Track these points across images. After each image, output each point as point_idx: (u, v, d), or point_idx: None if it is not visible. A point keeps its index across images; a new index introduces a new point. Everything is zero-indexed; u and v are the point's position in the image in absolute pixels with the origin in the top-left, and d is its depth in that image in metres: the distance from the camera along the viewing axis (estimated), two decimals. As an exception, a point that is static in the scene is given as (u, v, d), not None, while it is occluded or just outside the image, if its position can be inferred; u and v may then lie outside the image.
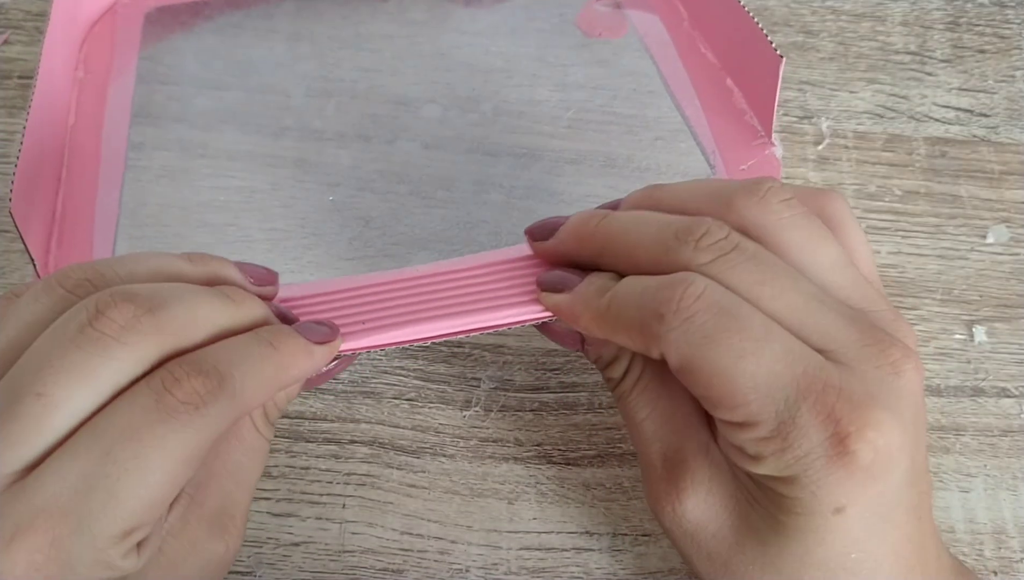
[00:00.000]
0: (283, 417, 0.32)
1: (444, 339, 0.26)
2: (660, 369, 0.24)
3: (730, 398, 0.20)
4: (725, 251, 0.22)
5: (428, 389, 0.33)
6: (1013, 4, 0.40)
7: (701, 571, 0.24)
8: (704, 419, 0.23)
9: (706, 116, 0.33)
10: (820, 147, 0.37)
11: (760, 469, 0.21)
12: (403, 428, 0.32)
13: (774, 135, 0.32)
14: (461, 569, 0.30)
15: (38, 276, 0.28)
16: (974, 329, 0.34)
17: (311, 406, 0.32)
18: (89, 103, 0.35)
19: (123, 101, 0.36)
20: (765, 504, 0.22)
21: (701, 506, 0.23)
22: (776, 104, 0.31)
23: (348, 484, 0.31)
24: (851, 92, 0.38)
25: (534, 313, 0.26)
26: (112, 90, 0.36)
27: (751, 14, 0.31)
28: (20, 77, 0.37)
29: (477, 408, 0.32)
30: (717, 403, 0.21)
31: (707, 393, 0.21)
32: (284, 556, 0.30)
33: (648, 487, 0.24)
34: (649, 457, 0.24)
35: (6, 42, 0.38)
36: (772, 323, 0.21)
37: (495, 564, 0.30)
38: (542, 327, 0.28)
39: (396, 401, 0.32)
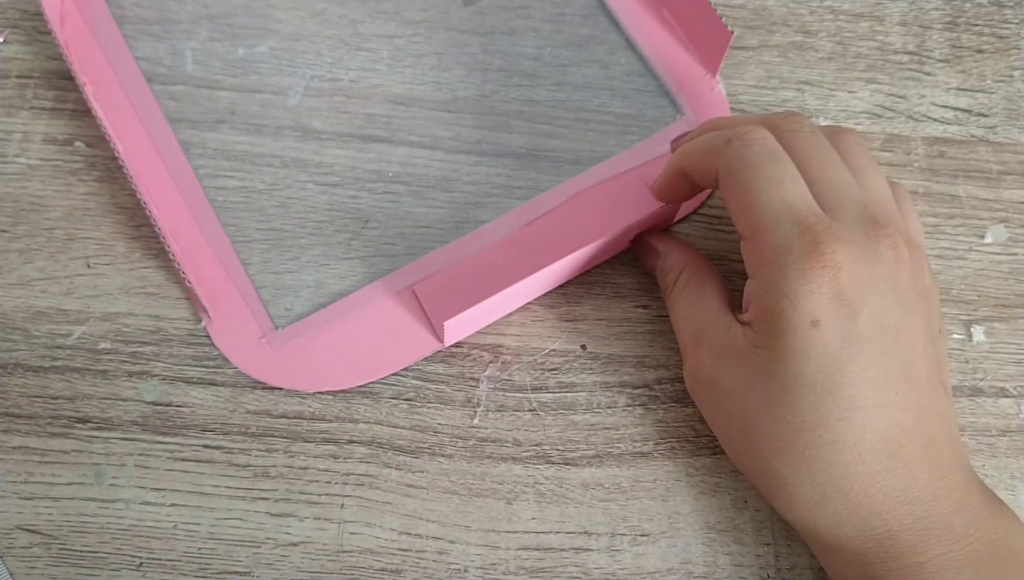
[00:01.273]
0: (281, 417, 0.32)
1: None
2: (700, 279, 0.31)
3: (750, 211, 0.27)
4: (791, 128, 0.28)
5: (427, 389, 0.32)
6: (1011, 4, 0.40)
7: (720, 422, 0.29)
8: (728, 312, 0.29)
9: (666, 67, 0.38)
10: (818, 147, 0.37)
11: (756, 285, 0.27)
12: (401, 428, 0.32)
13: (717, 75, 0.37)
14: (459, 569, 0.30)
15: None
16: (972, 329, 0.34)
17: (309, 406, 0.32)
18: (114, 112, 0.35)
19: (149, 103, 0.36)
20: (764, 344, 0.26)
21: (714, 360, 0.28)
22: (727, 43, 0.35)
23: (346, 484, 0.31)
24: (849, 92, 0.38)
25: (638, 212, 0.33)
26: (132, 94, 0.36)
27: None
28: (18, 76, 0.37)
29: (476, 408, 0.32)
30: (740, 213, 0.27)
31: (737, 205, 0.27)
32: (282, 556, 0.30)
33: (684, 363, 0.30)
34: (684, 339, 0.30)
35: (4, 41, 0.38)
36: (801, 177, 0.27)
37: (493, 564, 0.30)
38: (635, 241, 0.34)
39: (395, 401, 0.32)
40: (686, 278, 0.31)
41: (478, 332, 0.33)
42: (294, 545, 0.30)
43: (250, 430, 0.32)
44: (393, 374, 0.33)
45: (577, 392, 0.33)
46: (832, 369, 0.25)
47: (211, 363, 0.33)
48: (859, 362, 0.25)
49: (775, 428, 0.26)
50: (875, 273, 0.25)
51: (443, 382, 0.33)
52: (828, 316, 0.25)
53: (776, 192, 0.26)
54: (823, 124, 0.37)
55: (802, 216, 0.26)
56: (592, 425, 0.32)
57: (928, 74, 0.38)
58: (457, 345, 0.33)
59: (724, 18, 0.34)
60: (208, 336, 0.33)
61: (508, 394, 0.33)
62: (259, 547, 0.30)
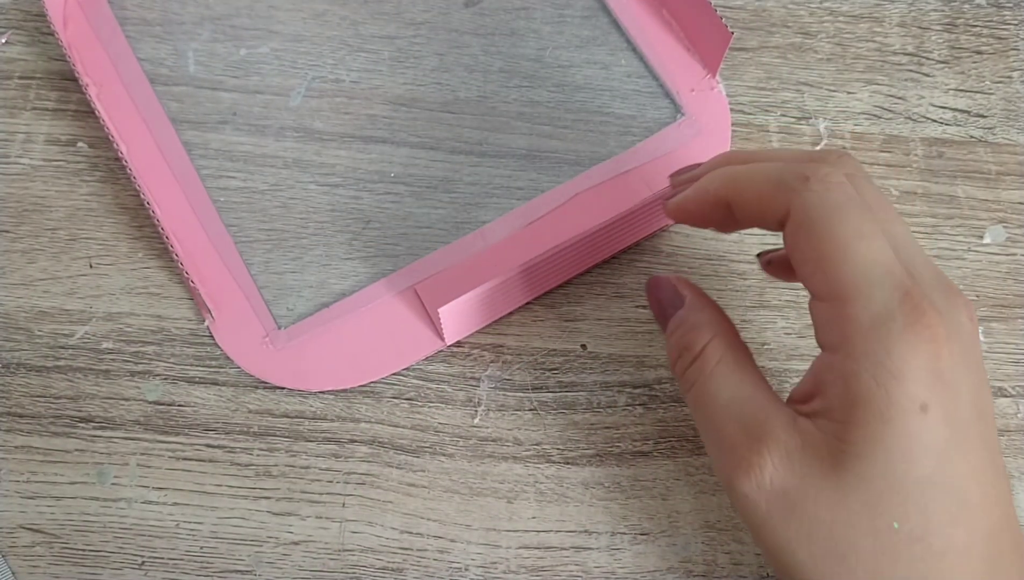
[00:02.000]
0: (283, 416, 0.32)
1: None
2: (739, 351, 0.25)
3: (839, 269, 0.22)
4: (855, 175, 0.24)
5: (427, 388, 0.33)
6: (1010, 5, 0.40)
7: (800, 545, 0.22)
8: (783, 402, 0.24)
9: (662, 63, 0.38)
10: (818, 148, 0.37)
11: (847, 361, 0.22)
12: (403, 427, 0.32)
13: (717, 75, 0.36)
14: (460, 568, 0.30)
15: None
16: (971, 329, 0.34)
17: (311, 405, 0.32)
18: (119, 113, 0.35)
19: (152, 104, 0.36)
20: (856, 437, 0.21)
21: (787, 466, 0.22)
22: (727, 44, 0.35)
23: (348, 483, 0.31)
24: (849, 93, 0.38)
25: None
26: (135, 95, 0.36)
27: None
28: (21, 77, 0.37)
29: (476, 407, 0.32)
30: (821, 269, 0.22)
31: (818, 258, 0.23)
32: (284, 555, 0.30)
33: (725, 461, 0.24)
34: (729, 436, 0.24)
35: (7, 42, 0.38)
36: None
37: (494, 563, 0.30)
38: (651, 286, 0.29)
39: (396, 400, 0.32)
40: (722, 348, 0.25)
41: (479, 332, 0.33)
42: (296, 544, 0.30)
43: (252, 429, 0.32)
44: (394, 374, 0.33)
45: (577, 391, 0.33)
46: (941, 462, 0.21)
47: (213, 363, 0.33)
48: (964, 452, 0.22)
49: (877, 543, 0.22)
50: (965, 347, 0.22)
51: (444, 381, 0.33)
52: (935, 399, 0.21)
53: (868, 248, 0.22)
54: (822, 125, 0.37)
55: (899, 279, 0.22)
56: (592, 424, 0.32)
57: (927, 75, 0.39)
58: (458, 345, 0.33)
59: (724, 19, 0.35)
60: (210, 336, 0.33)
61: (509, 393, 0.33)
62: (261, 546, 0.30)
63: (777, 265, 0.29)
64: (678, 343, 0.26)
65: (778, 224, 0.24)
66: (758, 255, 0.31)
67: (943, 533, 0.21)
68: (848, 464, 0.22)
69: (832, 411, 0.22)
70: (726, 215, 0.26)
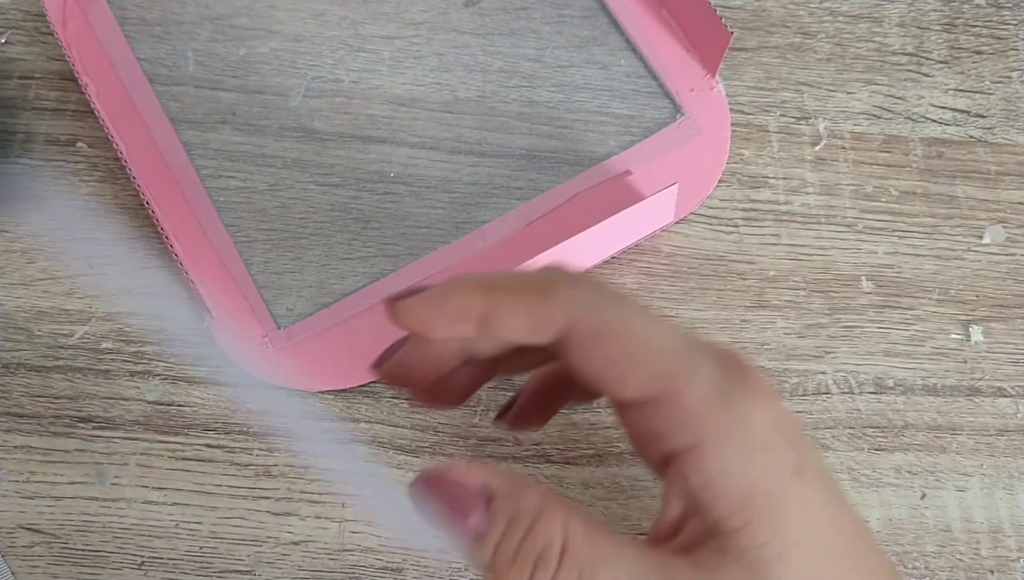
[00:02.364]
0: (283, 416, 0.32)
1: None
2: (599, 525, 0.20)
3: (649, 360, 0.19)
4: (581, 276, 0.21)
5: (427, 388, 0.33)
6: (1010, 5, 0.40)
7: None
8: (639, 543, 0.20)
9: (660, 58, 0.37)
10: (817, 148, 0.37)
11: (705, 455, 0.19)
12: (402, 427, 0.32)
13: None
14: (460, 568, 0.30)
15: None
16: (971, 329, 0.34)
17: (311, 406, 0.32)
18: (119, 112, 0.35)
19: (152, 104, 0.36)
20: (754, 540, 0.19)
21: None
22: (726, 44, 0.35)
23: (348, 483, 0.31)
24: (848, 93, 0.38)
25: None
26: (135, 95, 0.36)
27: None
28: (20, 77, 0.37)
29: (476, 407, 0.32)
30: (627, 369, 0.19)
31: (622, 354, 0.19)
32: (284, 555, 0.30)
33: None
34: None
35: (7, 42, 0.38)
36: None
37: (494, 563, 0.30)
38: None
39: (395, 400, 0.32)
40: (583, 527, 0.19)
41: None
42: (296, 544, 0.30)
43: (252, 429, 0.32)
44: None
45: (577, 392, 0.33)
46: (835, 518, 0.19)
47: (213, 363, 0.33)
48: (842, 502, 0.20)
49: None
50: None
51: (444, 382, 0.33)
52: (802, 457, 0.19)
53: (669, 331, 0.19)
54: (822, 125, 0.37)
55: (708, 350, 0.19)
56: (592, 424, 0.32)
57: (926, 75, 0.39)
58: (458, 345, 0.33)
59: (723, 19, 0.35)
60: (210, 336, 0.33)
61: (509, 393, 0.33)
62: (261, 546, 0.30)
63: (534, 406, 0.25)
64: (522, 551, 0.18)
65: (551, 334, 0.20)
66: (497, 418, 0.25)
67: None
68: (773, 570, 0.18)
69: (722, 522, 0.19)
70: (471, 330, 0.20)
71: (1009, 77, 0.39)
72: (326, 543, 0.30)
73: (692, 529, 0.19)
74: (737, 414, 0.19)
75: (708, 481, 0.19)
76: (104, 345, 0.33)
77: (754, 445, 0.19)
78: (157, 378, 0.32)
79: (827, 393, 0.33)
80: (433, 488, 0.19)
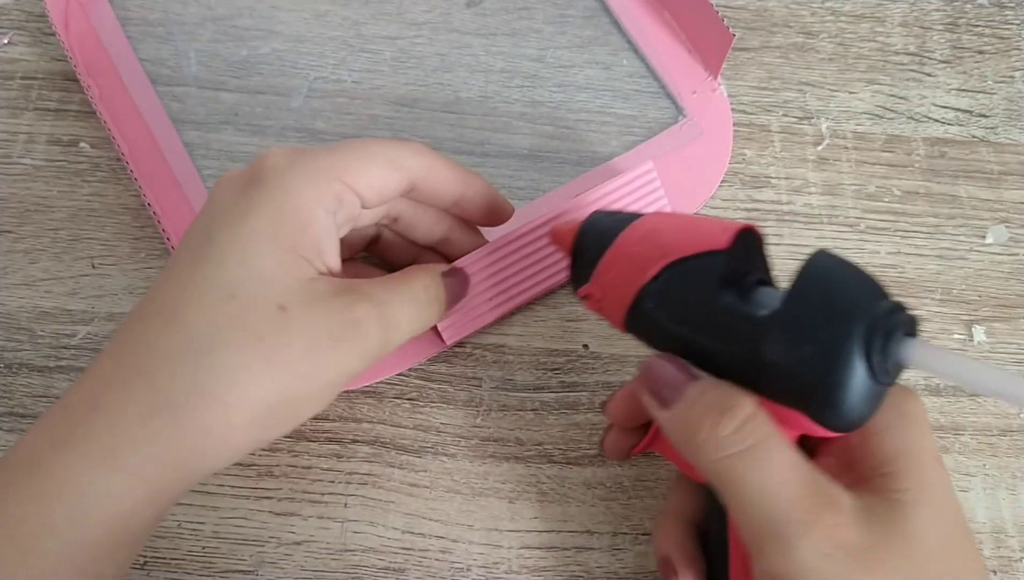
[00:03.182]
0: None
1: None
2: (766, 423, 0.23)
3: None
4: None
5: (429, 388, 0.33)
6: (1012, 5, 0.40)
7: None
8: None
9: (661, 58, 0.38)
10: (820, 148, 0.37)
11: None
12: (405, 427, 0.32)
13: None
14: (462, 568, 0.30)
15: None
16: (973, 329, 0.34)
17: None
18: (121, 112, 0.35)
19: (154, 105, 0.36)
20: (897, 486, 0.23)
21: (858, 524, 0.22)
22: (728, 46, 0.35)
23: (350, 483, 0.31)
24: (851, 93, 0.38)
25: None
26: (137, 95, 0.36)
27: None
28: (23, 77, 0.37)
29: (478, 407, 0.32)
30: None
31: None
32: (286, 555, 0.30)
33: (783, 527, 0.22)
34: (791, 498, 0.22)
35: (9, 42, 0.38)
36: None
37: (496, 563, 0.30)
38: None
39: (397, 400, 0.32)
40: (769, 417, 0.23)
41: (480, 332, 0.33)
42: (298, 544, 0.30)
43: (254, 429, 0.32)
44: (396, 373, 0.33)
45: (579, 391, 0.33)
46: (958, 508, 0.24)
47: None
48: (957, 502, 0.24)
49: None
50: None
51: (446, 382, 0.33)
52: (939, 453, 0.24)
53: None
54: (824, 125, 0.37)
55: None
56: (594, 424, 0.32)
57: (929, 75, 0.39)
58: (460, 345, 0.33)
59: (725, 19, 0.35)
60: (212, 336, 0.33)
61: (510, 393, 0.33)
62: (263, 546, 0.30)
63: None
64: (710, 404, 0.23)
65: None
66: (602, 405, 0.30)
67: (980, 570, 0.23)
68: (910, 515, 0.22)
69: (868, 469, 0.23)
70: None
71: (1012, 77, 0.39)
72: (328, 543, 0.30)
73: (843, 480, 0.23)
74: (897, 391, 0.23)
75: (866, 439, 0.23)
76: (107, 345, 0.33)
77: (910, 419, 0.23)
78: (159, 378, 0.32)
79: (829, 393, 0.33)
80: (654, 368, 0.25)
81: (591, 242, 0.27)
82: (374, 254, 0.32)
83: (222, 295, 0.23)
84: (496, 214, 0.30)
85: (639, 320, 0.25)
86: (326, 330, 0.24)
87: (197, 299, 0.24)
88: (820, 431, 0.22)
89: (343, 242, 0.30)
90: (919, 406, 0.24)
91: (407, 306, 0.26)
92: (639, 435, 0.28)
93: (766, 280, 0.25)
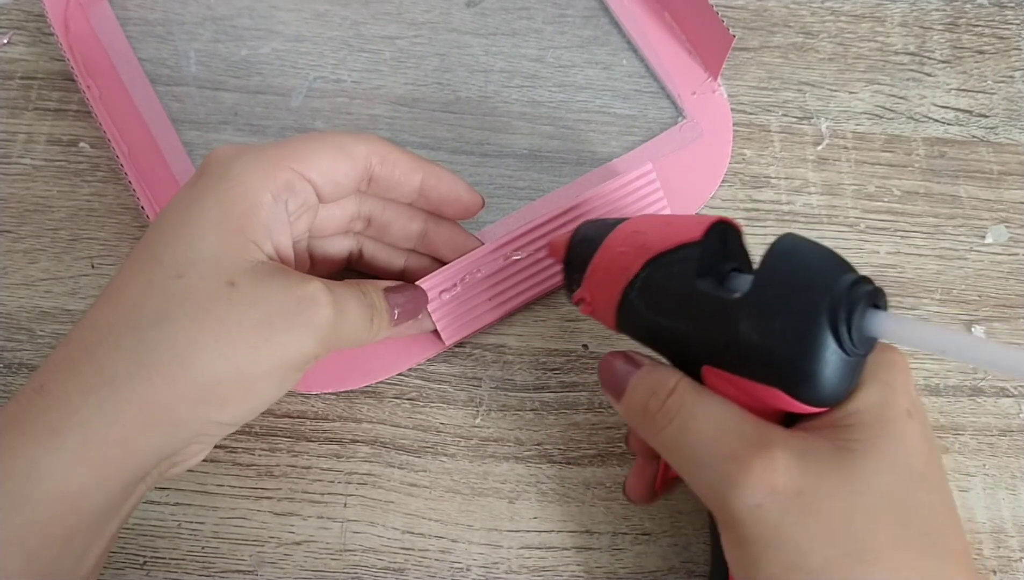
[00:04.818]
0: (285, 416, 0.32)
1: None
2: (712, 393, 0.24)
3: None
4: None
5: (429, 389, 0.33)
6: (1012, 5, 0.40)
7: (794, 546, 0.21)
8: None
9: (661, 59, 0.38)
10: (819, 148, 0.37)
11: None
12: (404, 427, 0.32)
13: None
14: (462, 568, 0.30)
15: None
16: (973, 329, 0.34)
17: (312, 406, 0.32)
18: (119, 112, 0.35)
19: (153, 104, 0.36)
20: (850, 437, 0.22)
21: (800, 464, 0.22)
22: (728, 48, 0.35)
23: (349, 483, 0.31)
24: (850, 93, 0.38)
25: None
26: (137, 95, 0.36)
27: None
28: (23, 77, 0.37)
29: (478, 407, 0.32)
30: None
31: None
32: (286, 555, 0.30)
33: (725, 476, 0.22)
34: (726, 448, 0.23)
35: (9, 42, 0.38)
36: None
37: (496, 563, 0.30)
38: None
39: (397, 400, 0.32)
40: (694, 385, 0.24)
41: (480, 332, 0.33)
42: (297, 544, 0.30)
43: (254, 430, 0.32)
44: (396, 373, 0.33)
45: (579, 391, 0.33)
46: (928, 463, 0.23)
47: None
48: (938, 459, 0.24)
49: (895, 536, 0.22)
50: None
51: (446, 382, 0.33)
52: (915, 410, 0.23)
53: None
54: (824, 125, 0.37)
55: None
56: (594, 424, 0.32)
57: (929, 75, 0.39)
58: (459, 345, 0.33)
59: (725, 19, 0.35)
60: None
61: (510, 393, 0.33)
62: (263, 546, 0.30)
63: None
64: (645, 388, 0.25)
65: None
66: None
67: (946, 530, 0.22)
68: (857, 461, 0.22)
69: (828, 422, 0.23)
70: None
71: (1012, 77, 0.39)
72: (328, 543, 0.30)
73: (805, 423, 0.23)
74: (878, 350, 0.23)
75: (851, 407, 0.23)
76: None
77: (882, 376, 0.23)
78: (159, 378, 0.32)
79: (829, 393, 0.33)
80: (607, 363, 0.27)
81: (580, 250, 0.28)
82: (361, 269, 0.32)
83: (169, 273, 0.23)
84: (464, 203, 0.30)
85: (627, 317, 0.26)
86: (279, 304, 0.24)
87: (144, 279, 0.24)
88: (800, 407, 0.23)
89: (321, 259, 0.30)
90: (898, 362, 0.24)
91: (353, 301, 0.26)
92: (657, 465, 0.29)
93: (744, 270, 0.26)
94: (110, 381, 0.22)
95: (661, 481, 0.28)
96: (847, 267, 0.22)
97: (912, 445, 0.23)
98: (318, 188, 0.27)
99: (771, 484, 0.22)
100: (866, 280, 0.22)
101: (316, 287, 0.25)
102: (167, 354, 0.23)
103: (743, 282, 0.24)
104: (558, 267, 0.33)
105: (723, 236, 0.25)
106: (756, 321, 0.22)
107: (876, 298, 0.22)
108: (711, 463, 0.23)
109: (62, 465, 0.22)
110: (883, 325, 0.22)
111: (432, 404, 0.32)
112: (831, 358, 0.21)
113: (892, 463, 0.22)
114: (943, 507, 0.23)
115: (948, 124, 0.38)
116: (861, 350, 0.22)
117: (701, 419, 0.23)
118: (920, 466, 0.23)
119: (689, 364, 0.25)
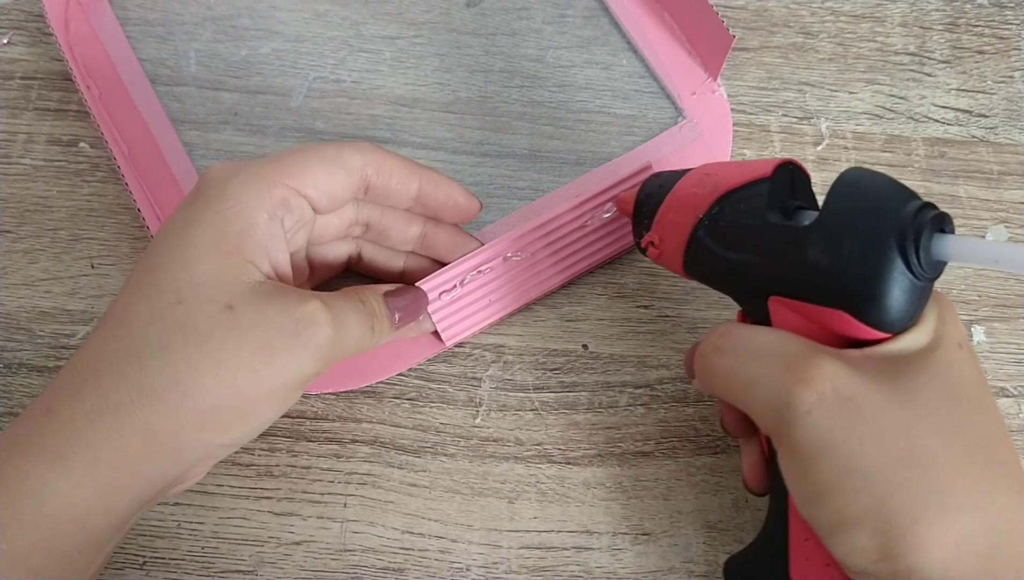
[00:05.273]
0: (284, 416, 0.32)
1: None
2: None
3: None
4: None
5: (429, 389, 0.33)
6: (1012, 5, 0.40)
7: (845, 450, 0.22)
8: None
9: (661, 60, 0.38)
10: (819, 148, 0.37)
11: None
12: (404, 427, 0.32)
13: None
14: (462, 568, 0.30)
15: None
16: (973, 329, 0.34)
17: (312, 406, 0.32)
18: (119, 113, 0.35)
19: (153, 105, 0.36)
20: (901, 354, 0.23)
21: (850, 373, 0.22)
22: (728, 47, 0.35)
23: (349, 483, 0.31)
24: (850, 93, 0.38)
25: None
26: (137, 95, 0.36)
27: None
28: (22, 78, 0.37)
29: (478, 407, 0.32)
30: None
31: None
32: (286, 555, 0.30)
33: (779, 384, 0.23)
34: (781, 358, 0.23)
35: (9, 43, 0.38)
36: None
37: (495, 563, 0.30)
38: None
39: (397, 400, 0.32)
40: (745, 325, 0.25)
41: (480, 332, 0.33)
42: (297, 544, 0.30)
43: (253, 429, 0.32)
44: (396, 373, 0.33)
45: (579, 391, 0.33)
46: (979, 392, 0.23)
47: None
48: (987, 392, 0.24)
49: (946, 442, 0.22)
50: None
51: (445, 382, 0.33)
52: (966, 344, 0.24)
53: None
54: (824, 125, 0.37)
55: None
56: (594, 424, 0.32)
57: (929, 75, 0.39)
58: (459, 345, 0.33)
59: (725, 19, 0.35)
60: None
61: (510, 394, 0.33)
62: (262, 546, 0.30)
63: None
64: (706, 342, 0.26)
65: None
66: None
67: (999, 448, 0.22)
68: (908, 376, 0.22)
69: (882, 351, 0.23)
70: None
71: (1011, 77, 0.39)
72: (328, 543, 0.30)
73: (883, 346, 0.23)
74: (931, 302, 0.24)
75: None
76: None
77: (932, 314, 0.24)
78: (159, 378, 0.32)
79: (829, 393, 0.33)
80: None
81: (648, 198, 0.29)
82: (360, 272, 0.32)
83: (169, 299, 0.24)
84: (461, 208, 0.30)
85: (696, 255, 0.27)
86: (278, 326, 0.24)
87: (145, 305, 0.24)
88: (866, 332, 0.23)
89: (321, 265, 0.30)
90: (945, 302, 0.25)
91: (352, 313, 0.27)
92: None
93: (810, 208, 0.26)
94: (114, 408, 0.23)
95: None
96: (913, 195, 0.23)
97: (964, 372, 0.23)
98: (314, 202, 0.27)
99: (820, 390, 0.22)
100: (932, 206, 0.23)
101: (315, 306, 0.25)
102: (169, 382, 0.23)
103: (810, 217, 0.25)
104: (558, 267, 0.33)
105: (791, 176, 0.26)
106: (825, 244, 0.23)
107: (943, 222, 0.23)
108: (763, 380, 0.23)
109: (69, 488, 0.23)
110: (951, 247, 0.22)
111: (432, 404, 0.32)
112: (899, 280, 0.22)
113: (945, 382, 0.22)
114: (997, 429, 0.23)
115: (948, 124, 0.38)
116: (929, 273, 0.22)
117: (754, 345, 0.24)
118: (972, 392, 0.23)
119: (756, 297, 0.25)
